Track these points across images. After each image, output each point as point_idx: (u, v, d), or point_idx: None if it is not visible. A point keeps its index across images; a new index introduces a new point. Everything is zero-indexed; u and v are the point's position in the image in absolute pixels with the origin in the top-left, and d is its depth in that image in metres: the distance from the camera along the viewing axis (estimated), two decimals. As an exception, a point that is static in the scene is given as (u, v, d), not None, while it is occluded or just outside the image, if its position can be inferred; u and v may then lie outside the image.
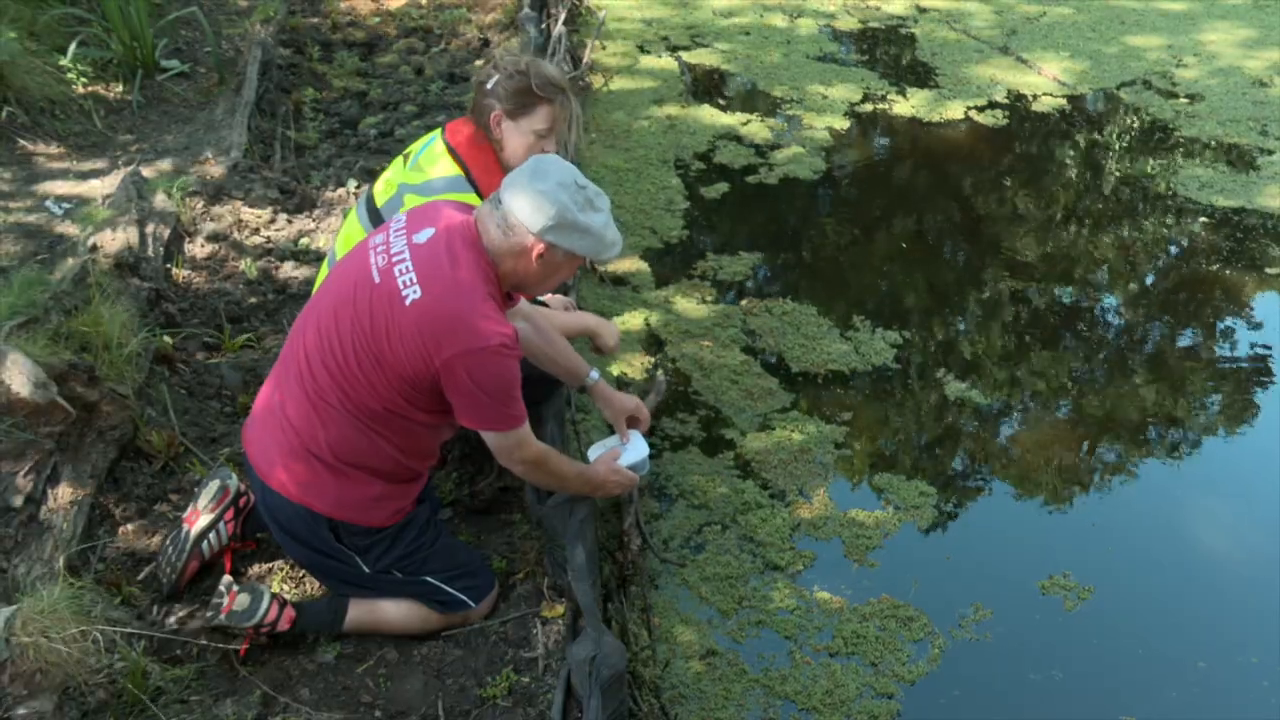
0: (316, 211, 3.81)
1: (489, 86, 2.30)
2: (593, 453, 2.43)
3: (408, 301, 1.83)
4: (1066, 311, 3.82)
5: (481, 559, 2.27)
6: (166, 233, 3.37)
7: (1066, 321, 3.77)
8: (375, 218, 2.40)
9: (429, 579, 2.14)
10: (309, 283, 3.35)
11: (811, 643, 2.47)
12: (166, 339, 2.87)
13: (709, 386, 3.33)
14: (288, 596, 2.24)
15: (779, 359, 3.49)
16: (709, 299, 3.76)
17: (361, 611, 2.16)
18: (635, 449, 2.41)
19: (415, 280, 1.84)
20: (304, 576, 2.30)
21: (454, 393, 1.88)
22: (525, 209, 1.89)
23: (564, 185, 1.89)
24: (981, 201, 4.51)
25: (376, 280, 1.87)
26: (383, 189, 2.42)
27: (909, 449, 3.17)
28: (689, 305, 3.66)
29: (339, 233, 2.55)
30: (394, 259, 1.89)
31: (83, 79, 4.40)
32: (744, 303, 3.75)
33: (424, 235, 1.90)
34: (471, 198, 2.31)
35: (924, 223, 4.32)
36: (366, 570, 2.11)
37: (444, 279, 1.84)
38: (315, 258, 3.52)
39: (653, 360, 3.45)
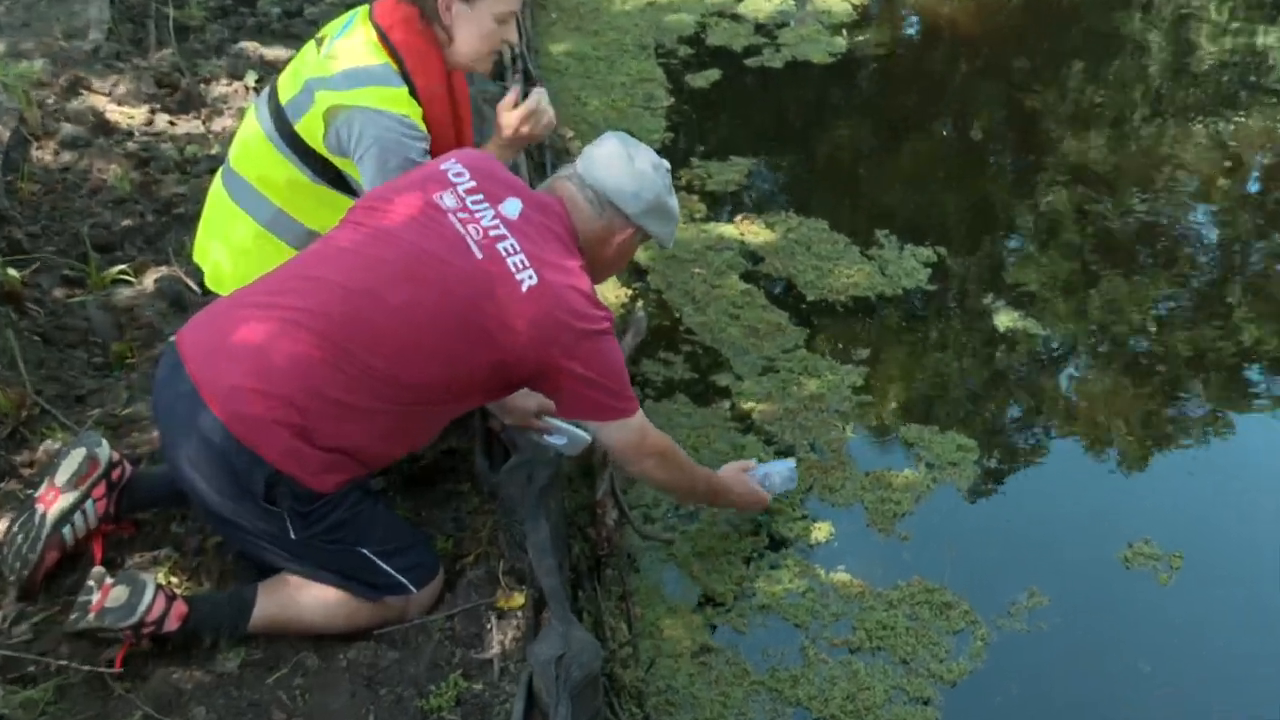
0: (206, 111, 3.72)
1: None
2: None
3: (524, 287, 1.99)
4: (1146, 225, 3.78)
5: (424, 539, 2.27)
6: (6, 135, 3.26)
7: (1146, 237, 3.73)
8: (279, 119, 2.35)
9: (364, 551, 2.12)
10: (201, 200, 3.25)
11: (828, 635, 2.48)
12: (12, 272, 2.79)
13: (702, 323, 3.31)
14: (178, 590, 2.19)
15: (786, 286, 3.47)
16: (699, 215, 3.73)
17: (273, 605, 2.12)
18: (564, 432, 2.50)
19: (527, 263, 2.01)
20: (199, 566, 2.25)
21: (571, 383, 2.08)
22: (626, 189, 2.17)
23: (656, 166, 2.21)
24: (1038, 89, 4.45)
25: (479, 255, 2.01)
26: (288, 83, 2.38)
27: (947, 394, 3.14)
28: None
29: (235, 139, 2.49)
30: (491, 234, 2.05)
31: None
32: (742, 219, 3.73)
33: (513, 208, 2.09)
34: (400, 97, 2.27)
35: (966, 115, 4.28)
36: (292, 535, 2.07)
37: (554, 265, 2.04)
38: (208, 168, 3.43)
39: (631, 292, 3.42)
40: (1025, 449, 3.02)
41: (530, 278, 1.99)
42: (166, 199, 3.32)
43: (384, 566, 2.14)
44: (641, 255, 3.57)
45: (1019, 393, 3.18)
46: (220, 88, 3.83)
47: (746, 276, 3.50)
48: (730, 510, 2.74)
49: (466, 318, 1.98)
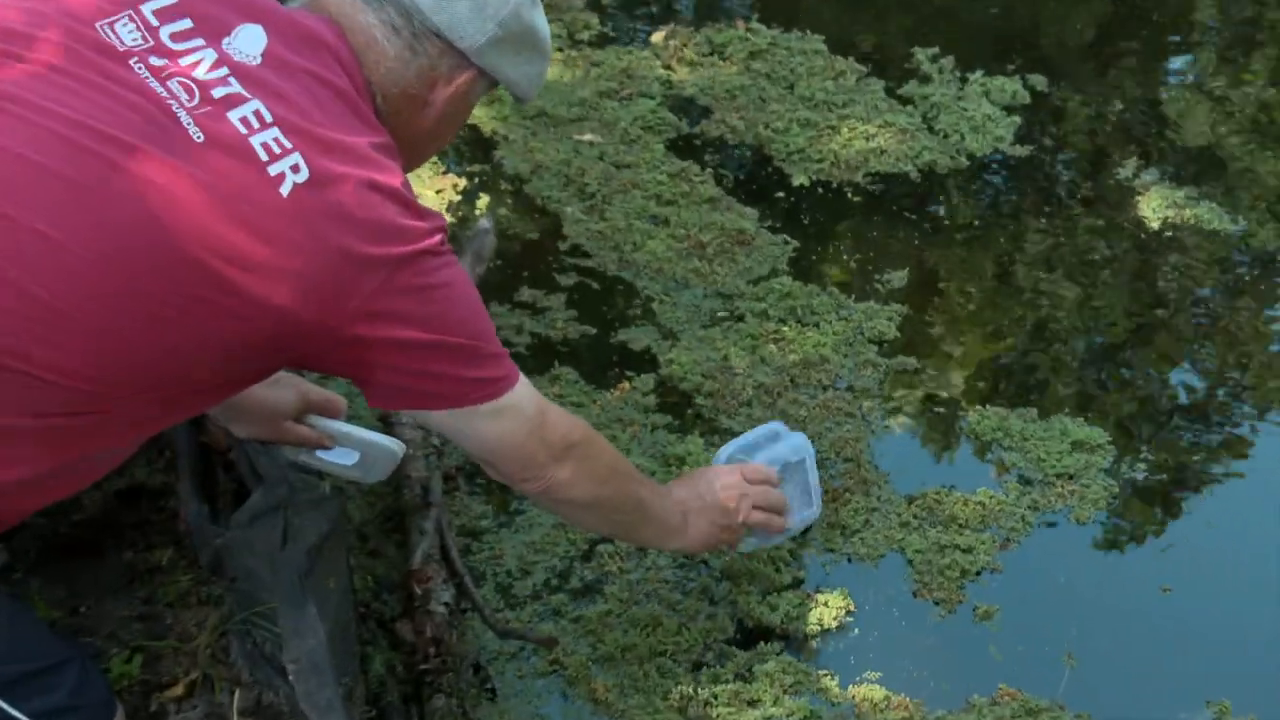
0: None
1: None
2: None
3: (284, 189, 1.96)
4: None
5: (83, 656, 2.18)
6: None
7: None
8: None
9: (-25, 688, 2.05)
10: None
11: (849, 798, 2.45)
12: None
13: (600, 234, 3.33)
14: None
15: (754, 160, 3.50)
16: (589, 34, 3.79)
17: None
18: (353, 442, 2.49)
19: (287, 144, 1.98)
20: None
21: (391, 355, 2.08)
22: (460, 4, 2.16)
23: None
24: None
25: (196, 135, 1.96)
26: None
27: (1051, 351, 3.17)
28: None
29: None
30: (214, 94, 1.99)
31: None
32: (667, 36, 3.77)
33: (251, 42, 2.06)
34: None
35: None
36: None
37: (336, 146, 2.02)
38: None
39: (464, 182, 3.45)
40: (1204, 450, 3.04)
41: (295, 171, 1.95)
42: None
43: (9, 710, 2.06)
44: (484, 113, 3.53)
45: (1191, 344, 3.21)
46: None
47: (679, 146, 3.52)
48: (653, 567, 2.77)
49: (173, 253, 1.92)
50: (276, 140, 1.95)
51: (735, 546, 2.61)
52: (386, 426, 2.82)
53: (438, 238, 2.08)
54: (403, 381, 2.10)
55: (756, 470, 2.58)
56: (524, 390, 2.21)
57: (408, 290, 2.03)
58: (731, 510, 2.54)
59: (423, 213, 2.09)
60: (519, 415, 2.20)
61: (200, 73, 1.98)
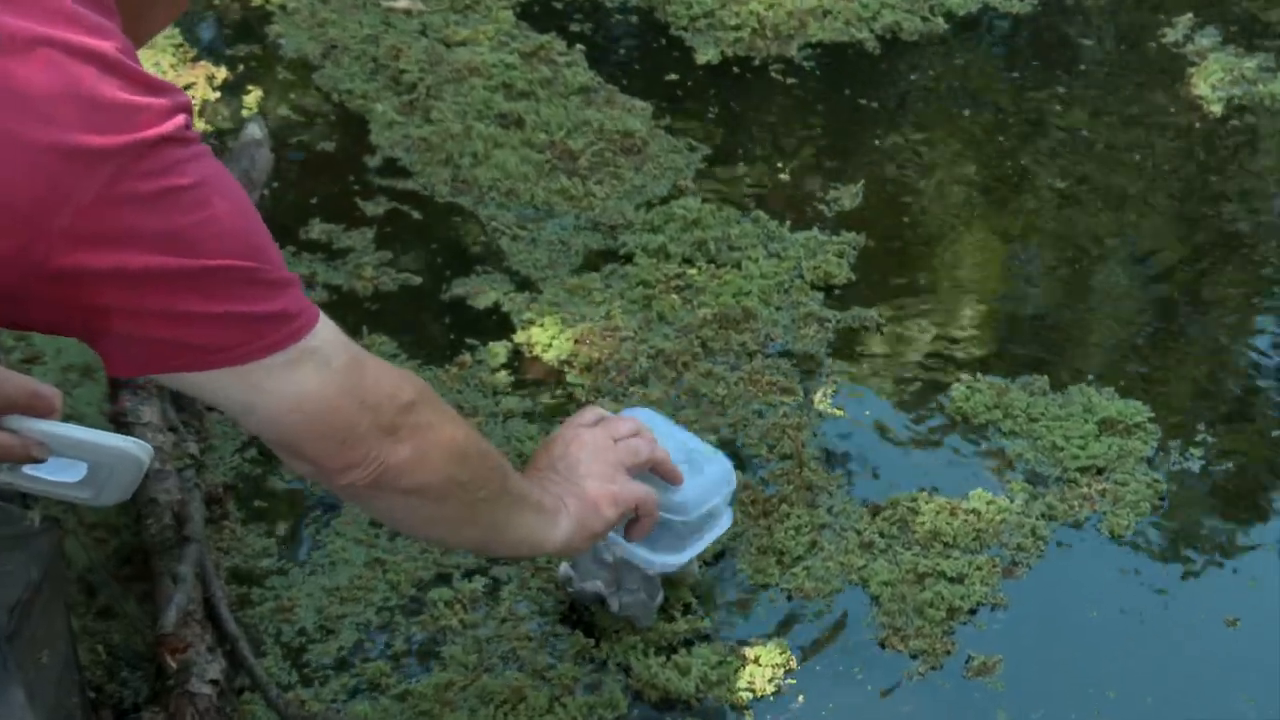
0: None
1: None
2: None
3: None
4: None
5: None
6: None
7: None
8: None
9: None
10: None
11: None
12: None
13: (422, 139, 3.36)
14: None
15: (640, 27, 3.58)
16: None
17: None
18: (74, 446, 2.43)
19: None
20: None
21: (122, 295, 2.03)
22: None
23: None
24: None
25: None
26: None
27: (1069, 285, 3.23)
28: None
29: None
30: None
31: None
32: None
33: None
34: None
35: None
36: None
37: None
38: None
39: (225, 73, 3.47)
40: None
41: None
42: None
43: None
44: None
45: (1269, 278, 3.28)
46: None
47: (535, 13, 3.60)
48: (526, 616, 2.79)
49: None
50: None
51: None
52: (121, 426, 2.80)
53: (180, 119, 2.00)
54: (149, 331, 2.03)
55: (618, 422, 2.60)
56: (328, 332, 2.16)
57: (142, 197, 1.96)
58: (608, 471, 2.56)
59: (155, 85, 2.03)
60: (324, 368, 2.15)
61: None
